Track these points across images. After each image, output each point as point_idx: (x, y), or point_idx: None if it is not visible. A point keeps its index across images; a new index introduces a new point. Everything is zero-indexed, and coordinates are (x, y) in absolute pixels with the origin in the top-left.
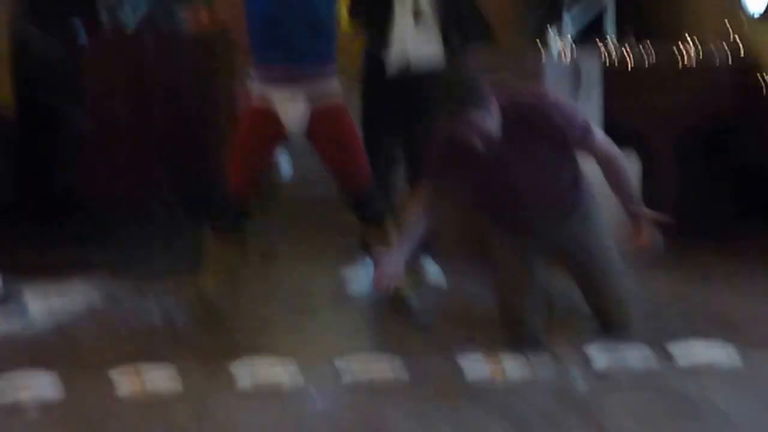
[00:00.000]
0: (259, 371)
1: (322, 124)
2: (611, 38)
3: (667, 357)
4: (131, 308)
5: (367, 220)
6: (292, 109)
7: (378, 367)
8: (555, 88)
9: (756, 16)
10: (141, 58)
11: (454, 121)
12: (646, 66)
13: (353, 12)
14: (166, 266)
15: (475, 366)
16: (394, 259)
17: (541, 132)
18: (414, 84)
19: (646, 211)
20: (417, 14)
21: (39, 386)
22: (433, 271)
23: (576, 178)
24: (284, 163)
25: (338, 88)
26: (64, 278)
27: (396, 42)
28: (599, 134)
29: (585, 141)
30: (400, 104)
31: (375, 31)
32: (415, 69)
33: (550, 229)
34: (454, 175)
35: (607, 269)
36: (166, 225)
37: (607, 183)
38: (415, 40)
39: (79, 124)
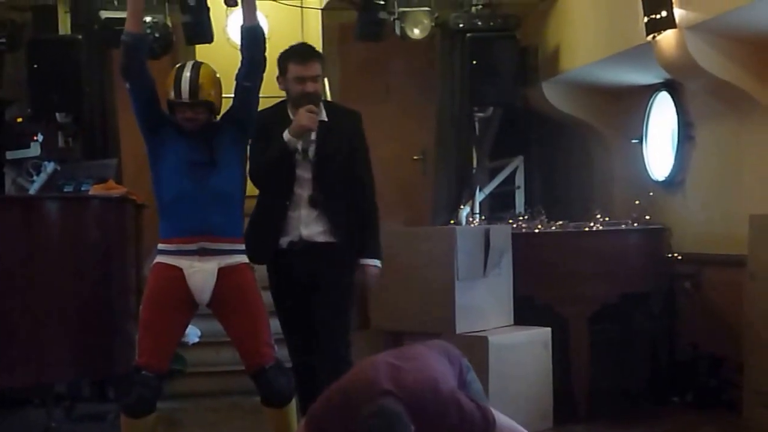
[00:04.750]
0: None
1: (228, 290)
2: (522, 213)
3: None
4: None
5: (267, 400)
6: (200, 279)
7: None
8: (465, 260)
9: (660, 181)
10: (46, 221)
11: None
12: (557, 238)
13: (253, 180)
14: None
15: None
16: None
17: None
18: (309, 253)
19: None
20: (313, 202)
21: None
22: None
23: None
24: (191, 328)
25: (245, 258)
26: None
27: (291, 223)
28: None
29: None
30: (296, 275)
31: (270, 212)
32: (304, 243)
33: None
34: None
35: None
36: (73, 404)
37: None
38: (309, 224)
39: None
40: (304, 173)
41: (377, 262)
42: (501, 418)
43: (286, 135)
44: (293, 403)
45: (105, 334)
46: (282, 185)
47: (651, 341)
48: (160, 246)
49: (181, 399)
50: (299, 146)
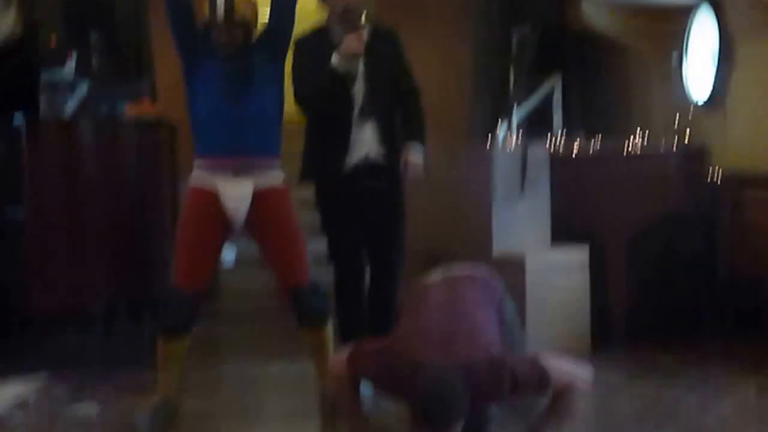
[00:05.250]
0: None
1: (264, 212)
2: (560, 132)
3: None
4: (71, 414)
5: (303, 322)
6: (235, 199)
7: None
8: (502, 180)
9: (700, 103)
10: (80, 146)
11: (438, 429)
12: (594, 158)
13: (303, 108)
14: (108, 370)
15: None
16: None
17: (490, 397)
18: (367, 178)
19: None
20: (365, 113)
21: None
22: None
23: None
24: (227, 250)
25: (281, 178)
26: (2, 379)
27: (353, 141)
28: (555, 375)
29: (542, 391)
30: (359, 193)
31: (326, 131)
32: (366, 165)
33: None
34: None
35: None
36: (109, 327)
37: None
38: (364, 139)
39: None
40: (357, 94)
41: (418, 158)
42: (551, 363)
43: (335, 59)
44: (329, 324)
45: (141, 255)
46: (336, 108)
47: (690, 263)
48: (195, 164)
49: (217, 321)
50: (348, 69)
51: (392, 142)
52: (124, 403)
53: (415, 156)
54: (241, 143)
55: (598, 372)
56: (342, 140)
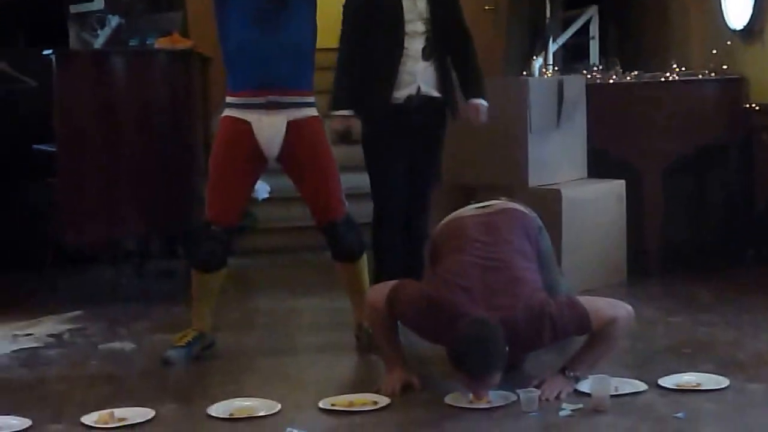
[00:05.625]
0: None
1: (297, 145)
2: (597, 64)
3: (654, 383)
4: (106, 348)
5: (338, 256)
6: (268, 130)
7: (360, 399)
8: (538, 112)
9: (738, 33)
10: (112, 78)
11: (476, 378)
12: (631, 88)
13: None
14: (143, 306)
15: (458, 393)
16: (398, 372)
17: (530, 347)
18: (415, 113)
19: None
20: (426, 55)
21: (11, 428)
22: None
23: None
24: (260, 185)
25: (316, 111)
26: (37, 316)
27: (405, 77)
28: (594, 317)
29: (582, 333)
30: (407, 129)
31: (377, 63)
32: (416, 99)
33: None
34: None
35: None
36: (143, 263)
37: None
38: (424, 78)
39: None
40: (416, 27)
41: (485, 102)
42: (591, 305)
43: None
44: (364, 258)
45: (174, 189)
46: (394, 40)
47: (727, 195)
48: (228, 99)
49: (251, 256)
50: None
51: (443, 79)
52: (159, 338)
53: (482, 107)
54: (275, 77)
55: (634, 306)
56: (393, 73)
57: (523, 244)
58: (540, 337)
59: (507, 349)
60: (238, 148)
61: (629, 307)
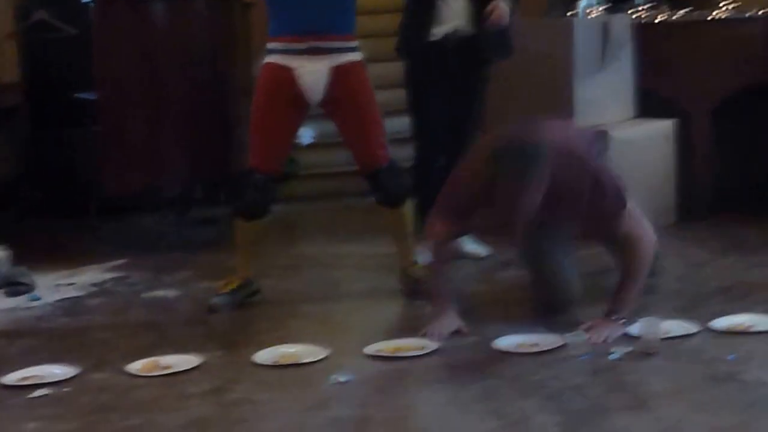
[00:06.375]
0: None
1: (340, 91)
2: (643, 2)
3: (704, 326)
4: (149, 297)
5: (382, 202)
6: (311, 75)
7: (406, 344)
8: (584, 52)
9: None
10: (151, 23)
11: (518, 183)
12: (678, 26)
13: None
14: (186, 254)
15: (506, 337)
16: (446, 317)
17: (572, 207)
18: (455, 52)
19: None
20: None
21: (54, 377)
22: (470, 244)
23: None
24: (304, 130)
25: (359, 56)
26: (80, 265)
27: (443, 14)
28: (628, 218)
29: (612, 223)
30: (446, 68)
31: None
32: (454, 39)
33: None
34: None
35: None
36: (186, 210)
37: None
38: (453, 12)
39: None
40: None
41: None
42: (631, 203)
43: None
44: (408, 203)
45: (216, 136)
46: None
47: None
48: (269, 45)
49: (295, 201)
50: None
51: (481, 18)
52: (202, 286)
53: (503, 2)
54: (316, 21)
55: (683, 248)
56: (432, 12)
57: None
58: (579, 183)
59: (546, 177)
60: (281, 94)
61: (653, 236)
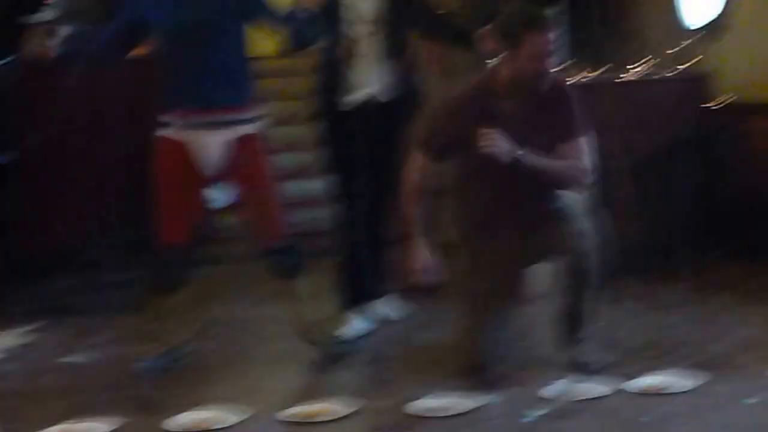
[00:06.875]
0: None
1: (235, 165)
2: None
3: (624, 384)
4: (63, 362)
5: (274, 275)
6: (205, 149)
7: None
8: None
9: (702, 30)
10: (70, 85)
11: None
12: (595, 86)
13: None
14: (105, 316)
15: (421, 401)
16: (421, 254)
17: (556, 111)
18: (378, 114)
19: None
20: (368, 50)
21: None
22: (393, 306)
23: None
24: (217, 192)
25: (256, 128)
26: None
27: (356, 78)
28: (580, 147)
29: (572, 140)
30: (361, 133)
31: (334, 71)
32: (376, 101)
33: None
34: (457, 141)
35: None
36: (106, 272)
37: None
38: (368, 75)
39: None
40: (363, 29)
41: None
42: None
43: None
44: (302, 276)
45: (131, 197)
46: (342, 43)
47: (693, 192)
48: (164, 118)
49: (213, 264)
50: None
51: (401, 77)
52: (118, 350)
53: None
54: (211, 96)
55: (599, 307)
56: (346, 79)
57: None
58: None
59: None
60: (177, 170)
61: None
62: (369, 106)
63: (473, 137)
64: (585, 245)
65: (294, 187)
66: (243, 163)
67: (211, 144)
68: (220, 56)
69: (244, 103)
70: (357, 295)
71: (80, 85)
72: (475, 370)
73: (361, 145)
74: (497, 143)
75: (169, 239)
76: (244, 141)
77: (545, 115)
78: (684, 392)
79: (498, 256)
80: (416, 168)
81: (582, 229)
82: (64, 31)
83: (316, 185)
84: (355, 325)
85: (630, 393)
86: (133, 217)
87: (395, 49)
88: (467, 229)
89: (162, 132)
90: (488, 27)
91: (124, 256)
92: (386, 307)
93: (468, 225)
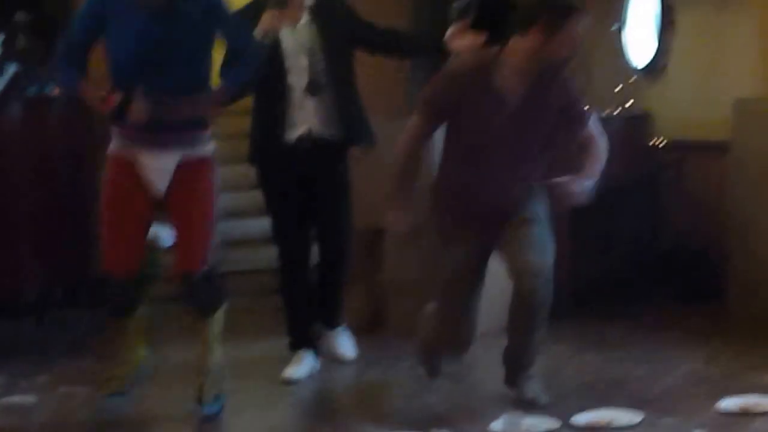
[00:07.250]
0: None
1: (180, 185)
2: None
3: (565, 421)
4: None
5: (192, 307)
6: (156, 169)
7: None
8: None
9: (642, 71)
10: (7, 126)
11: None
12: None
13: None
14: (45, 359)
15: None
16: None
17: (554, 93)
18: (309, 155)
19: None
20: (310, 87)
21: None
22: (340, 345)
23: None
24: (163, 231)
25: (209, 151)
26: None
27: (294, 116)
28: (589, 128)
29: (578, 125)
30: (296, 177)
31: (267, 107)
32: (308, 142)
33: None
34: (456, 108)
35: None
36: (44, 315)
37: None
38: (307, 114)
39: None
40: (301, 67)
41: None
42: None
43: (256, 33)
44: (219, 315)
45: (75, 237)
46: (272, 83)
47: (633, 233)
48: (114, 135)
49: (158, 303)
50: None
51: (343, 116)
52: (61, 391)
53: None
54: (161, 115)
55: (545, 345)
56: (282, 116)
57: None
58: (566, 80)
59: None
60: (127, 190)
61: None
62: (309, 143)
63: (471, 106)
64: (537, 284)
65: (233, 226)
66: (188, 183)
67: (162, 162)
68: (179, 74)
69: (199, 124)
70: (300, 335)
71: (22, 123)
72: (460, 348)
73: (300, 184)
74: (571, 190)
75: (115, 267)
76: (196, 164)
77: (551, 98)
78: (630, 426)
79: (467, 245)
80: (413, 126)
81: (538, 262)
82: (9, 70)
83: (255, 224)
84: (301, 364)
85: (577, 427)
86: (77, 257)
87: (340, 81)
88: (443, 218)
89: (113, 144)
90: (462, 22)
91: (66, 296)
92: (342, 346)
93: (445, 213)
